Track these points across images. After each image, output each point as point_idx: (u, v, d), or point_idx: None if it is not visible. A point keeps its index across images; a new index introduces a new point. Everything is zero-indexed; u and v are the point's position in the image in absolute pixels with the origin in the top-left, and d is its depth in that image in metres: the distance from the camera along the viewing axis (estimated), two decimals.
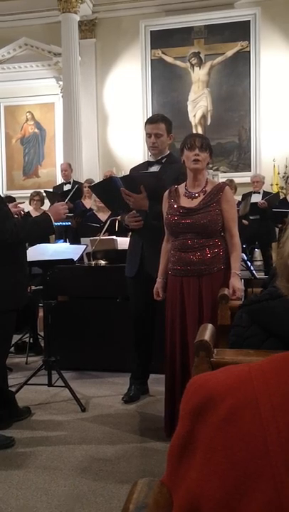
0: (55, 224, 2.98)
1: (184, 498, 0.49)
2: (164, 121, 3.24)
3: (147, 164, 3.33)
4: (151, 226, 3.06)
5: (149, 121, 3.24)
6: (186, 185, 2.78)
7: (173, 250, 2.76)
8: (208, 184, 2.76)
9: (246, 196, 6.82)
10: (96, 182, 4.68)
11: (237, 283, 2.63)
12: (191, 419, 0.52)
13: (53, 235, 6.76)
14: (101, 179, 6.73)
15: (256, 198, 6.74)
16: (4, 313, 2.78)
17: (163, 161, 3.23)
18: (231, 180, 6.55)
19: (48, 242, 5.37)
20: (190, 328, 2.65)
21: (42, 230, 2.93)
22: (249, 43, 8.25)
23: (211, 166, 7.49)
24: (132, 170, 3.44)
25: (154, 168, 3.24)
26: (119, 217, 3.92)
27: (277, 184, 7.89)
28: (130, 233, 3.38)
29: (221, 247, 2.70)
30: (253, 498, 0.44)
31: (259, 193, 6.93)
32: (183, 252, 2.69)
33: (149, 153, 3.37)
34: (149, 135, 3.20)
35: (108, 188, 3.22)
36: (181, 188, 2.79)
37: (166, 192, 2.81)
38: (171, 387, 2.75)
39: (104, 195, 3.45)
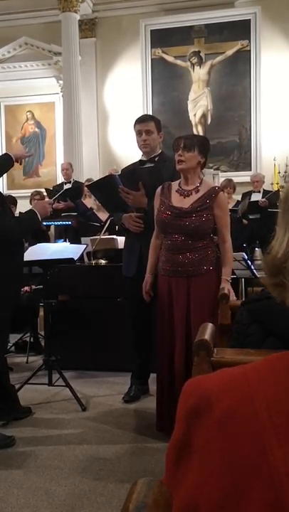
0: (56, 223, 3.03)
1: (183, 499, 0.49)
2: (153, 119, 3.28)
3: (139, 163, 3.32)
4: (150, 224, 3.05)
5: (139, 121, 3.27)
6: (179, 183, 2.78)
7: (163, 250, 2.76)
8: (203, 184, 2.74)
9: (246, 195, 6.81)
10: (95, 180, 4.64)
11: (228, 288, 2.61)
12: (187, 422, 0.52)
13: (53, 235, 6.78)
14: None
15: (257, 197, 6.73)
16: None
17: (156, 159, 3.23)
18: (230, 180, 6.53)
19: (48, 241, 5.37)
20: (177, 327, 2.66)
21: (31, 227, 3.07)
22: (249, 42, 8.23)
23: (211, 165, 7.47)
24: (124, 170, 3.44)
25: None
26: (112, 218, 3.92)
27: (277, 183, 7.89)
28: (126, 233, 3.36)
29: (210, 248, 2.71)
30: (252, 498, 0.44)
31: (259, 192, 6.92)
32: (172, 252, 2.70)
33: (141, 154, 3.35)
34: (139, 133, 3.21)
35: (107, 187, 3.21)
36: (175, 184, 2.79)
37: (159, 188, 2.81)
38: (160, 385, 2.78)
39: (102, 195, 3.44)
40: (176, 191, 2.74)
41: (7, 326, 2.99)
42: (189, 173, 2.72)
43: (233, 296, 2.63)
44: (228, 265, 2.72)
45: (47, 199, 3.26)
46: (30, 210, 3.04)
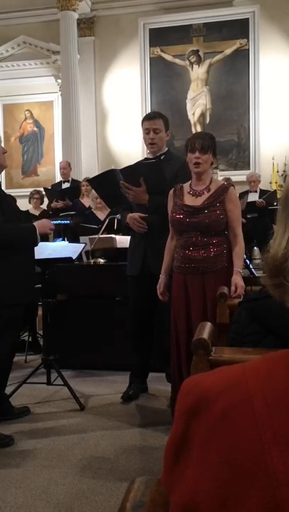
0: (54, 222, 3.02)
1: (181, 497, 0.49)
2: (162, 117, 3.25)
3: (144, 161, 3.33)
4: (152, 222, 3.05)
5: (147, 118, 3.24)
6: (190, 184, 2.80)
7: (178, 248, 2.79)
8: (213, 183, 2.80)
9: (243, 195, 6.81)
10: (96, 174, 4.62)
11: (239, 280, 2.66)
12: (185, 420, 0.52)
13: (52, 234, 6.76)
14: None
15: (253, 197, 6.72)
16: (8, 307, 2.78)
17: (162, 157, 3.22)
18: (228, 179, 6.51)
19: (47, 240, 5.36)
20: (195, 325, 2.66)
21: (24, 238, 2.94)
22: (248, 40, 8.23)
23: (215, 165, 7.44)
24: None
25: None
26: (118, 215, 3.90)
27: (276, 182, 7.88)
28: (131, 232, 3.35)
29: (224, 245, 2.75)
30: (250, 496, 0.44)
31: (256, 191, 6.92)
32: (187, 249, 2.72)
33: (147, 151, 3.37)
34: (147, 131, 3.19)
35: (107, 181, 3.19)
36: (186, 186, 2.83)
37: (172, 190, 2.84)
38: (174, 385, 2.77)
39: (102, 189, 3.41)
40: (188, 192, 2.78)
41: (19, 324, 2.98)
42: (204, 174, 2.78)
43: (243, 289, 2.66)
44: (240, 258, 2.76)
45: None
46: (31, 224, 3.02)
